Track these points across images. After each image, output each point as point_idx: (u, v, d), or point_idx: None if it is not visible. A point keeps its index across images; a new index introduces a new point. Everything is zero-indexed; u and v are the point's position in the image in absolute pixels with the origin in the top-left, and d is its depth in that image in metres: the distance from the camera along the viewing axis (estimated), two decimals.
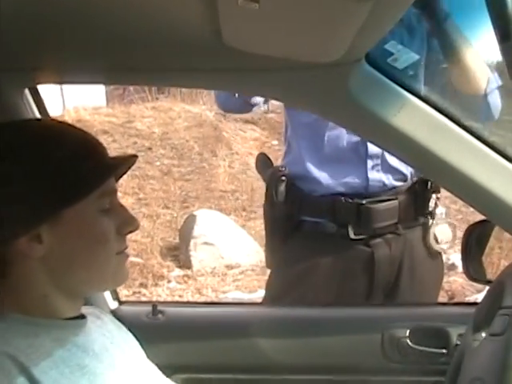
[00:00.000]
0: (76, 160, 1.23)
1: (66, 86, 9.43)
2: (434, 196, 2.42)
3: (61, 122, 1.35)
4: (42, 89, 1.97)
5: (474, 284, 2.01)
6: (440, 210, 2.45)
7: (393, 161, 2.32)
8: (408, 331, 1.98)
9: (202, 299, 5.86)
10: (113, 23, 1.23)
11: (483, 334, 1.43)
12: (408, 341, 1.92)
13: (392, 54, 1.42)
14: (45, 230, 1.19)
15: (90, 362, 1.24)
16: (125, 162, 1.33)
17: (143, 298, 5.72)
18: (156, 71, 1.59)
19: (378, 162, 2.33)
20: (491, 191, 1.49)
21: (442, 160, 1.47)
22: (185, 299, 5.87)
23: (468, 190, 1.52)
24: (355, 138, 2.31)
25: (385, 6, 1.03)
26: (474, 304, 1.55)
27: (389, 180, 2.36)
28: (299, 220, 2.43)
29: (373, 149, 2.31)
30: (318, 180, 2.38)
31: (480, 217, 1.68)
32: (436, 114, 1.48)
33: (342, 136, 2.34)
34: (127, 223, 1.32)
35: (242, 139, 10.10)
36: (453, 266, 5.86)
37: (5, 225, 1.17)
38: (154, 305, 2.12)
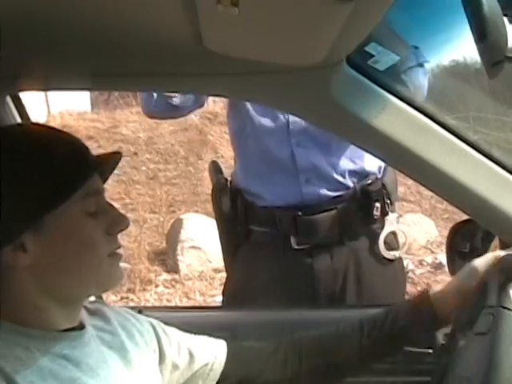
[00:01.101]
0: (54, 162, 1.18)
1: (50, 92, 9.40)
2: (377, 205, 2.39)
3: (39, 125, 1.32)
4: (26, 95, 1.97)
5: None
6: (392, 216, 2.42)
7: (329, 172, 2.33)
8: None
9: (190, 303, 5.86)
10: (96, 29, 1.23)
11: (469, 334, 1.44)
12: None
13: (373, 55, 1.42)
14: (28, 238, 1.16)
15: (82, 376, 1.20)
16: (106, 160, 1.30)
17: (131, 304, 5.70)
18: (140, 76, 1.58)
19: (312, 174, 2.33)
20: (474, 190, 1.49)
21: (425, 160, 1.48)
22: (173, 303, 5.86)
23: (451, 190, 1.52)
24: (284, 152, 2.32)
25: (365, 8, 1.03)
26: None
27: (325, 192, 2.34)
28: (247, 229, 2.44)
29: (303, 162, 2.31)
30: (256, 193, 2.40)
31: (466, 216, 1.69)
32: (418, 114, 1.48)
33: (271, 149, 2.35)
34: (116, 222, 1.28)
35: (227, 142, 10.07)
36: (440, 266, 5.89)
37: None
38: (140, 310, 2.11)
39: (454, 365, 1.42)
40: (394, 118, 1.47)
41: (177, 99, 2.40)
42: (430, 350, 1.88)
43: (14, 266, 1.17)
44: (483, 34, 0.96)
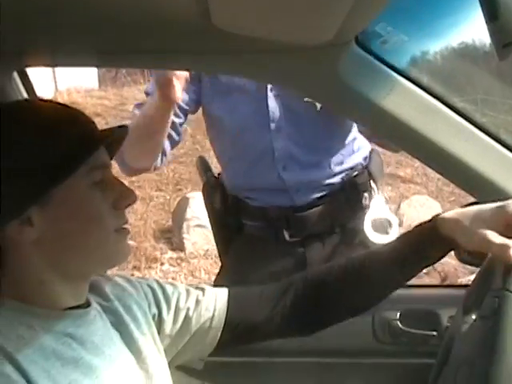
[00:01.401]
0: (60, 136, 1.18)
1: (58, 68, 9.40)
2: (365, 194, 2.38)
3: (45, 101, 1.31)
4: (34, 71, 1.96)
5: (467, 266, 2.01)
6: (377, 200, 2.40)
7: (318, 181, 2.33)
8: (399, 314, 1.98)
9: (195, 281, 5.87)
10: (102, 4, 1.22)
11: (473, 317, 1.43)
12: (399, 323, 1.93)
13: (381, 36, 1.42)
14: (35, 212, 1.15)
15: (86, 355, 1.19)
16: (112, 134, 1.28)
17: None
18: (148, 54, 1.58)
19: (302, 187, 2.32)
20: (481, 173, 1.49)
21: (432, 142, 1.47)
22: (178, 282, 5.87)
23: (458, 172, 1.52)
24: (272, 176, 2.31)
25: None
26: (465, 286, 1.55)
27: (315, 195, 2.34)
28: (239, 223, 2.44)
29: (292, 182, 2.30)
30: (246, 197, 2.39)
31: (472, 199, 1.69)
32: (426, 95, 1.48)
33: (258, 174, 2.34)
34: (123, 196, 1.26)
35: None
36: None
37: None
38: None
39: (458, 348, 1.42)
40: (402, 99, 1.47)
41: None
42: (435, 333, 1.88)
43: (20, 240, 1.16)
44: (495, 14, 0.95)
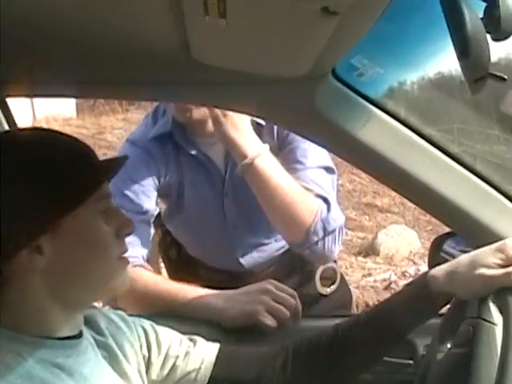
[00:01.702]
0: (71, 165, 1.21)
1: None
2: None
3: (47, 130, 1.33)
4: (12, 100, 1.97)
5: None
6: None
7: (267, 245, 2.35)
8: None
9: None
10: (82, 36, 1.23)
11: (448, 345, 1.44)
12: None
13: (358, 68, 1.44)
14: (45, 241, 1.16)
15: None
16: (118, 164, 1.30)
17: None
18: (127, 84, 1.59)
19: (250, 250, 2.34)
20: (456, 203, 1.51)
21: (408, 173, 1.49)
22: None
23: (433, 203, 1.54)
24: (223, 238, 2.33)
25: (351, 21, 1.04)
26: (441, 315, 1.56)
27: (263, 258, 2.36)
28: (196, 273, 2.42)
29: (238, 244, 2.33)
30: (198, 259, 2.41)
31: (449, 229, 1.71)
32: (402, 127, 1.50)
33: (206, 236, 2.35)
34: (124, 225, 1.29)
35: None
36: None
37: (7, 238, 1.12)
38: None
39: (434, 376, 1.43)
40: (378, 131, 1.49)
41: None
42: (411, 361, 1.89)
43: (28, 268, 1.17)
44: (466, 51, 0.97)
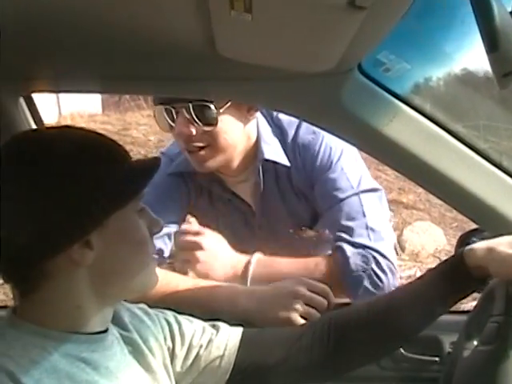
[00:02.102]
0: (124, 166, 1.24)
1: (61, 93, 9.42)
2: None
3: (83, 129, 1.34)
4: (38, 96, 1.98)
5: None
6: None
7: None
8: None
9: None
10: (107, 32, 1.24)
11: (475, 343, 1.43)
12: (401, 349, 1.92)
13: (384, 64, 1.43)
14: (95, 235, 1.18)
15: (100, 379, 1.21)
16: (156, 164, 1.32)
17: None
18: (151, 80, 1.59)
19: None
20: (483, 199, 1.50)
21: (434, 169, 1.48)
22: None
23: (460, 198, 1.53)
24: None
25: (377, 16, 1.04)
26: (467, 312, 1.55)
27: None
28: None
29: None
30: None
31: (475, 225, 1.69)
32: (428, 123, 1.49)
33: None
34: (154, 224, 1.32)
35: None
36: None
37: (61, 231, 1.15)
38: None
39: (459, 374, 1.42)
40: (405, 127, 1.48)
41: None
42: (437, 358, 1.88)
43: (78, 263, 1.18)
44: (495, 45, 0.96)
